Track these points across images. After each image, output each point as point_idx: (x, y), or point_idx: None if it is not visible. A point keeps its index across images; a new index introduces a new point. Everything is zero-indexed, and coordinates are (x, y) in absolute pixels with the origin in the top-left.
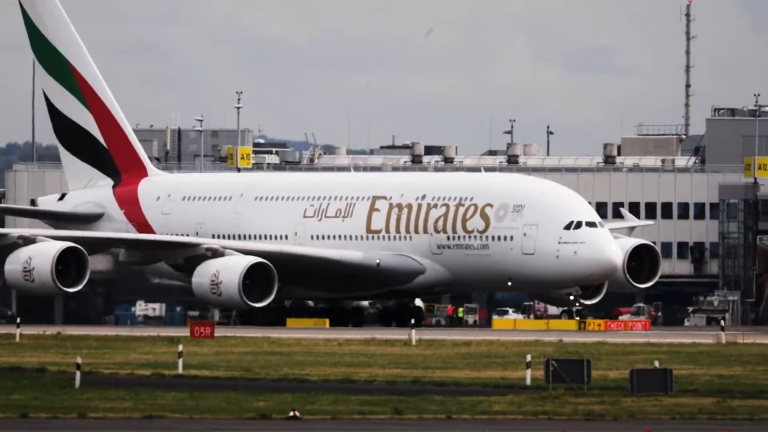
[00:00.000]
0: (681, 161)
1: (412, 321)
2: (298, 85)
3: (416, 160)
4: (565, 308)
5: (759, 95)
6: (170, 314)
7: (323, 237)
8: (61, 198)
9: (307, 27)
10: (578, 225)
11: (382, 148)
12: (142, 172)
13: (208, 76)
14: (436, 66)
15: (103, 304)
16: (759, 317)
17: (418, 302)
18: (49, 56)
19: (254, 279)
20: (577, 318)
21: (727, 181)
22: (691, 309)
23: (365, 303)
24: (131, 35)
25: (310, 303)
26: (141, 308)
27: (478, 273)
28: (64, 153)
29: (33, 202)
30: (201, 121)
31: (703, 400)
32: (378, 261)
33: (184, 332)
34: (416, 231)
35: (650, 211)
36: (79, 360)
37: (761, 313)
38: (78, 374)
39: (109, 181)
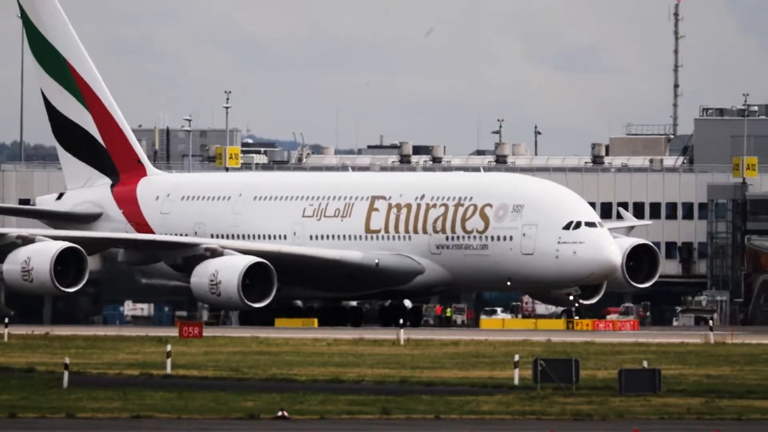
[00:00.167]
0: (669, 161)
1: (401, 321)
2: (286, 85)
3: (404, 159)
4: (565, 308)
5: (748, 95)
6: (158, 314)
7: (322, 237)
8: (59, 197)
9: (295, 27)
10: (577, 225)
11: (370, 147)
12: (141, 172)
13: (196, 75)
14: (424, 66)
15: (91, 304)
16: (747, 317)
17: (407, 303)
18: (47, 56)
19: (253, 279)
20: (576, 317)
21: (716, 181)
22: (679, 309)
23: (353, 303)
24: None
25: (299, 303)
26: (129, 308)
27: (478, 273)
28: (62, 152)
29: (30, 202)
30: (189, 120)
31: (691, 400)
32: (377, 261)
33: (172, 332)
34: (415, 231)
35: (638, 211)
36: (67, 360)
37: (750, 313)
38: (66, 374)
39: (108, 181)
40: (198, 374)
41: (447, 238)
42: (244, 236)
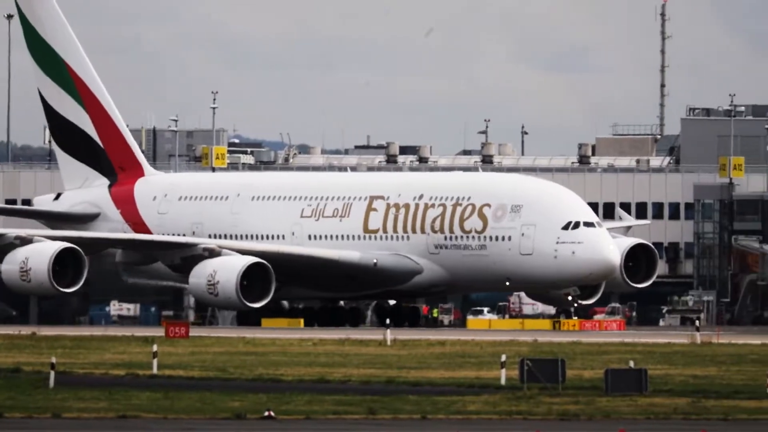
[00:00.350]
0: (656, 161)
1: (387, 321)
2: (273, 85)
3: (391, 159)
4: (562, 308)
5: (734, 95)
6: (145, 314)
7: (320, 237)
8: (57, 198)
9: (282, 27)
10: (576, 225)
11: (356, 147)
12: (139, 172)
13: (183, 76)
14: (411, 66)
15: (77, 304)
16: (734, 317)
17: (392, 303)
18: (45, 56)
19: (252, 279)
20: (575, 317)
21: (702, 182)
22: (665, 309)
23: (341, 303)
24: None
25: (285, 303)
26: (115, 308)
27: (476, 273)
28: (59, 153)
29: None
30: (176, 121)
31: (677, 400)
32: (375, 261)
33: (158, 332)
34: (413, 231)
35: (625, 211)
36: (53, 360)
37: (736, 313)
38: (52, 374)
39: (105, 181)
40: (184, 374)
41: (445, 238)
42: (242, 236)
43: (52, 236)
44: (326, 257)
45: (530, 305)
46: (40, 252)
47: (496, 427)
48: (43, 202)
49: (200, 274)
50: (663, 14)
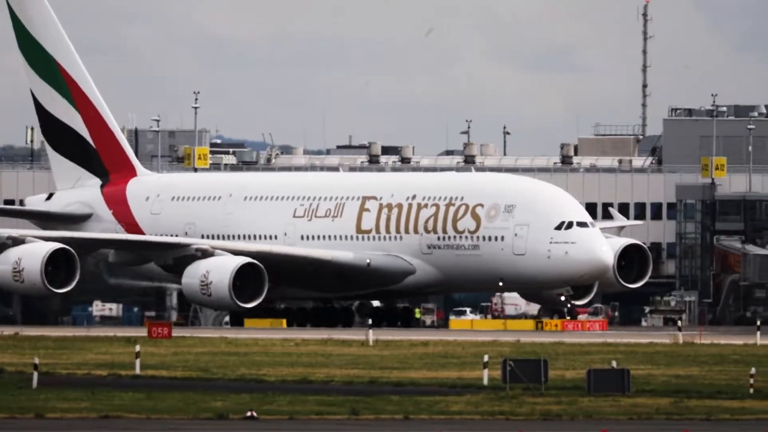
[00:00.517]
0: (638, 161)
1: (370, 321)
2: (255, 86)
3: (373, 160)
4: (556, 308)
5: (716, 96)
6: (127, 314)
7: (313, 237)
8: (49, 198)
9: (263, 27)
10: (569, 225)
11: (338, 148)
12: (131, 172)
13: (164, 76)
14: (393, 66)
15: (60, 305)
16: (716, 317)
17: (376, 303)
18: (37, 56)
19: (244, 279)
20: (568, 317)
21: (684, 182)
22: (648, 309)
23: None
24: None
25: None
26: (98, 308)
27: (469, 273)
28: (51, 153)
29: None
30: (158, 121)
31: (660, 401)
32: (368, 261)
33: (141, 332)
34: (406, 231)
35: (607, 211)
36: (36, 360)
37: (718, 314)
38: (35, 375)
39: (97, 181)
40: (167, 374)
41: (438, 238)
42: (234, 237)
43: (45, 237)
44: (319, 257)
45: (512, 306)
46: (33, 252)
47: (478, 428)
48: (35, 203)
49: (193, 274)
50: (645, 14)
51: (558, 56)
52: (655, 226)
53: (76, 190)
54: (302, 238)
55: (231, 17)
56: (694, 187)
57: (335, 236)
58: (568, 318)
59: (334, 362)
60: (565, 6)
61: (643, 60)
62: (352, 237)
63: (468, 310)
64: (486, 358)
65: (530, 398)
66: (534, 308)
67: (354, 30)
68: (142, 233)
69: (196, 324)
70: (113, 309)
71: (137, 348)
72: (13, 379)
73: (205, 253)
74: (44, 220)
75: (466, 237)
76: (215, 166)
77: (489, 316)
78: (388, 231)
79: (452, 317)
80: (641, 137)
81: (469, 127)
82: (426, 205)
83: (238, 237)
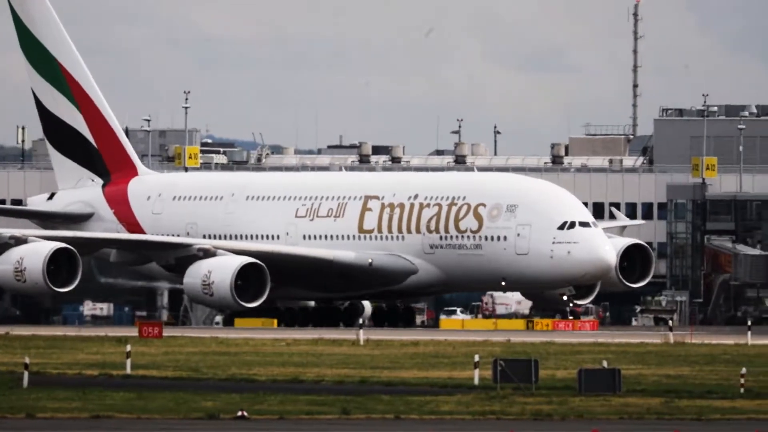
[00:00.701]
0: (629, 161)
1: (360, 321)
2: (245, 85)
3: (364, 159)
4: (559, 308)
5: (707, 95)
6: (118, 314)
7: (315, 237)
8: (51, 197)
9: (253, 27)
10: (572, 225)
11: (329, 147)
12: (132, 172)
13: (155, 75)
14: (384, 66)
15: (51, 304)
16: (707, 317)
17: (366, 303)
18: (38, 55)
19: (247, 279)
20: (571, 317)
21: (675, 182)
22: (638, 309)
23: (312, 303)
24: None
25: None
26: (89, 308)
27: (472, 273)
28: (53, 152)
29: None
30: (148, 121)
31: (651, 400)
32: (370, 261)
33: (132, 332)
34: (408, 231)
35: (598, 211)
36: (27, 360)
37: (709, 314)
38: (26, 374)
39: (99, 181)
40: (158, 374)
41: (440, 238)
42: (236, 236)
43: (47, 236)
44: (321, 257)
45: (503, 305)
46: (34, 252)
47: (469, 427)
48: (37, 202)
49: (195, 274)
50: (635, 14)
51: (549, 56)
52: (646, 226)
53: (77, 189)
54: (304, 237)
55: (222, 17)
56: (685, 187)
57: (337, 236)
58: (571, 318)
59: (324, 362)
60: (555, 6)
61: (633, 60)
62: (354, 237)
63: (458, 309)
64: (477, 357)
65: (521, 398)
66: (524, 308)
67: (346, 31)
68: (144, 233)
69: (186, 323)
70: (104, 309)
71: (128, 348)
72: (4, 378)
73: (207, 253)
74: (46, 219)
75: (469, 237)
76: (206, 166)
77: (480, 316)
78: (390, 231)
79: (443, 317)
80: (632, 137)
81: (460, 127)
82: (428, 205)
83: (240, 237)
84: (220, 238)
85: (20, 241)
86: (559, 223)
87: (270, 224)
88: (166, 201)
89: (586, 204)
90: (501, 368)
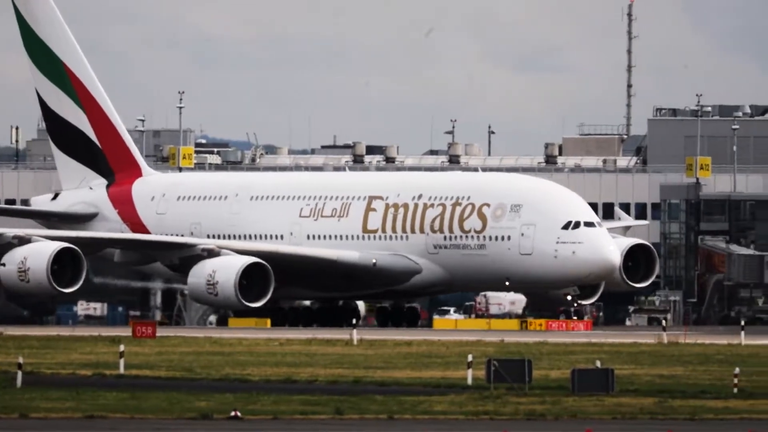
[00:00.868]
0: (622, 161)
1: (354, 321)
2: (239, 85)
3: (357, 159)
4: (563, 308)
5: (701, 95)
6: (112, 314)
7: (319, 237)
8: (55, 198)
9: (248, 27)
10: (576, 225)
11: (323, 147)
12: (137, 172)
13: (149, 76)
14: (378, 66)
15: (44, 304)
16: (700, 317)
17: (360, 303)
18: (42, 56)
19: (251, 279)
20: (575, 318)
21: (669, 182)
22: (632, 309)
23: (307, 303)
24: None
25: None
26: (82, 308)
27: (476, 273)
28: (57, 153)
29: (26, 202)
30: (143, 121)
31: (644, 400)
32: (374, 261)
33: (125, 332)
34: (413, 231)
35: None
36: (20, 360)
37: (703, 314)
38: (20, 374)
39: (103, 181)
40: (151, 374)
41: (445, 238)
42: (240, 236)
43: (51, 236)
44: (325, 257)
45: (497, 305)
46: (38, 252)
47: (462, 428)
48: (41, 202)
49: (199, 274)
50: (630, 14)
51: (543, 56)
52: (640, 226)
53: (81, 189)
54: (308, 237)
55: (216, 17)
56: (679, 187)
57: (341, 236)
58: (575, 318)
59: (318, 362)
60: (549, 6)
61: (627, 60)
62: (358, 237)
63: (452, 309)
64: (470, 357)
65: (514, 398)
66: (518, 308)
67: (340, 31)
68: (148, 233)
69: (180, 323)
70: (98, 308)
71: (121, 347)
72: None
73: (212, 253)
74: (49, 220)
75: (473, 237)
76: (200, 166)
77: (473, 316)
78: (394, 231)
79: (436, 317)
80: (626, 137)
81: (453, 127)
82: (432, 205)
83: (244, 237)
84: (224, 238)
85: (24, 240)
86: (563, 223)
87: (274, 224)
88: (171, 201)
89: None
90: (494, 368)
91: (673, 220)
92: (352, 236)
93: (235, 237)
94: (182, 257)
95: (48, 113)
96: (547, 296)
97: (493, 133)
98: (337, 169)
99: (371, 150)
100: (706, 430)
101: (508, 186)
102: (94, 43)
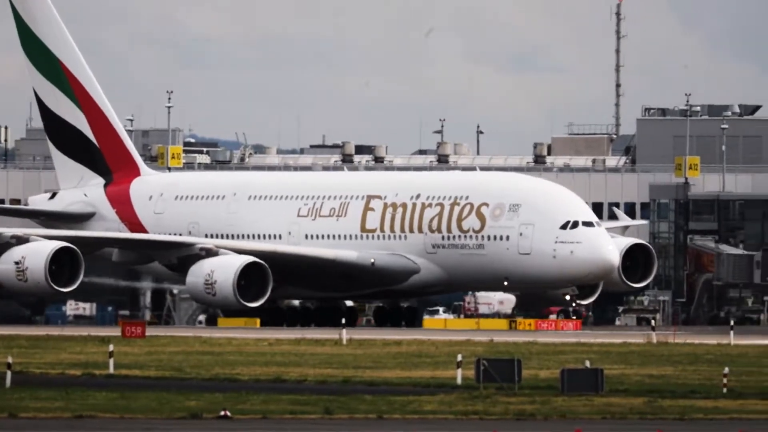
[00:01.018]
0: (611, 161)
1: (343, 320)
2: (228, 85)
3: (346, 159)
4: (561, 308)
5: (690, 95)
6: (101, 314)
7: (317, 236)
8: (52, 197)
9: (236, 26)
10: (575, 224)
11: (312, 147)
12: (135, 171)
13: (138, 75)
14: (366, 65)
15: (33, 303)
16: (690, 317)
17: (350, 303)
18: (40, 55)
19: (249, 279)
20: (574, 317)
21: (658, 181)
22: (621, 309)
23: (296, 302)
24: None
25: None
26: (72, 307)
27: (474, 273)
28: (55, 152)
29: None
30: (131, 120)
31: (633, 400)
32: (373, 260)
33: (115, 332)
34: (411, 230)
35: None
36: (10, 359)
37: (692, 313)
38: (9, 374)
39: (101, 180)
40: (141, 374)
41: (443, 238)
42: (238, 236)
43: (49, 235)
44: (323, 257)
45: (486, 305)
46: (36, 251)
47: (452, 427)
48: (38, 202)
49: (197, 273)
50: (618, 14)
51: (531, 56)
52: (630, 226)
53: (79, 189)
54: (306, 237)
55: (205, 17)
56: (668, 186)
57: (339, 235)
58: (574, 318)
59: (307, 361)
60: (538, 6)
61: (616, 59)
62: (356, 236)
63: (441, 309)
64: (459, 357)
65: (504, 398)
66: (507, 307)
67: (329, 30)
68: (146, 232)
69: (170, 323)
70: (87, 308)
71: (111, 347)
72: None
73: (210, 253)
74: (47, 219)
75: (471, 236)
76: (189, 166)
77: (462, 315)
78: (392, 230)
79: (426, 316)
80: (615, 137)
81: (442, 127)
82: (430, 205)
83: (242, 236)
84: (222, 237)
85: (22, 240)
86: (561, 223)
87: (272, 224)
88: (168, 200)
89: None
90: (484, 368)
91: (662, 219)
92: (351, 236)
93: (233, 236)
94: (180, 257)
95: (46, 112)
96: (544, 296)
97: (481, 132)
98: (326, 168)
99: (360, 150)
100: (696, 430)
101: (507, 186)
102: (82, 42)
